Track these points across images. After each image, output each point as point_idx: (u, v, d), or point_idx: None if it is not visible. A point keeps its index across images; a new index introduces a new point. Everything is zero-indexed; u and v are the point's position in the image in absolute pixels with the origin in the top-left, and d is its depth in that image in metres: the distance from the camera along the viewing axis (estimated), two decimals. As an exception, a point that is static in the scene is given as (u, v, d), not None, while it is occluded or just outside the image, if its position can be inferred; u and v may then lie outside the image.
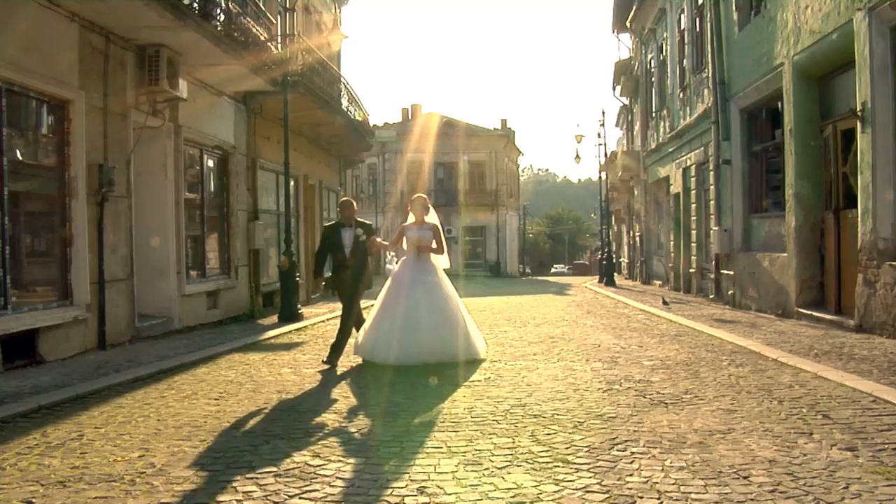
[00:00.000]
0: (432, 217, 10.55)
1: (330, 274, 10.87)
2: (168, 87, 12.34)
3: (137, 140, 12.52)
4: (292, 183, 19.13)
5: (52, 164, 10.81)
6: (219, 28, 13.11)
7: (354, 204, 10.98)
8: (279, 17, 18.53)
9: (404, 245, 10.43)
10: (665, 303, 18.93)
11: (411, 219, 10.44)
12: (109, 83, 11.64)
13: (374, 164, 57.98)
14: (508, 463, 5.17)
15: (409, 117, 61.80)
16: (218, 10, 13.33)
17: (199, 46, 12.49)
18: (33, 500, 4.61)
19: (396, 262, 10.43)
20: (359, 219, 10.75)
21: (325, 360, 9.95)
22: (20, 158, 10.15)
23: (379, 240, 10.71)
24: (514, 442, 5.72)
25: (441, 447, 5.62)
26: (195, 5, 12.39)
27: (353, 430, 6.29)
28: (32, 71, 9.93)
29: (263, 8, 15.87)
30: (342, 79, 23.88)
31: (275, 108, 17.59)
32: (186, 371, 9.64)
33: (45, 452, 5.71)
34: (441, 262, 10.46)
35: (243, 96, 17.28)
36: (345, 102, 23.62)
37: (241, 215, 17.10)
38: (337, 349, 10.07)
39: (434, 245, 10.34)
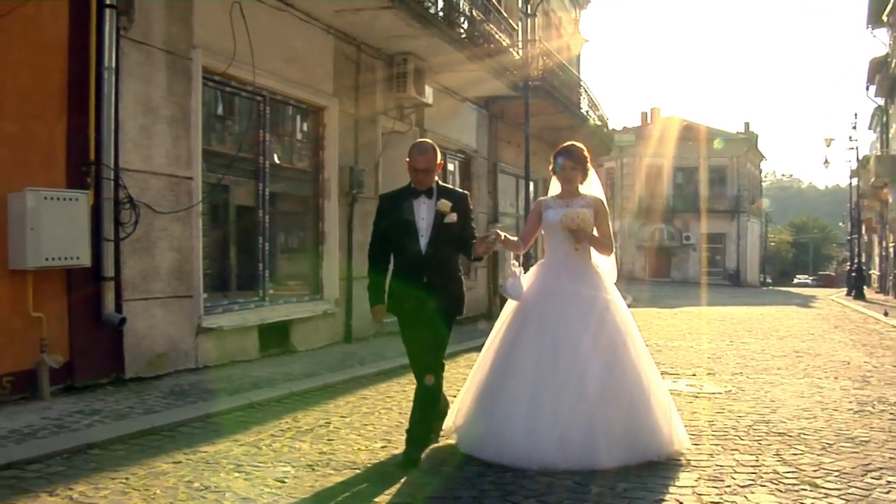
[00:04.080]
0: (593, 184, 5.90)
1: (391, 285, 5.75)
2: (415, 93, 12.59)
3: (385, 144, 12.89)
4: (532, 186, 19.07)
5: (305, 166, 11.34)
6: (463, 35, 13.22)
7: (438, 152, 5.73)
8: (520, 23, 18.52)
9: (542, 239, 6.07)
10: (885, 314, 18.45)
11: (555, 189, 5.92)
12: (360, 90, 12.02)
13: (612, 169, 56.88)
14: (751, 482, 4.78)
15: (649, 121, 60.30)
16: (462, 18, 13.47)
17: (444, 53, 12.62)
18: (285, 480, 4.85)
19: (522, 274, 5.69)
20: (444, 184, 5.87)
21: (409, 456, 5.31)
22: (278, 162, 10.70)
23: (503, 233, 5.62)
24: (757, 460, 5.30)
25: (680, 460, 5.28)
26: (440, 14, 12.58)
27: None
28: (292, 80, 10.44)
29: (505, 14, 15.91)
30: (581, 83, 23.58)
31: (515, 112, 17.57)
32: (426, 367, 9.74)
33: (296, 436, 5.99)
34: (606, 268, 5.82)
35: (485, 101, 17.40)
36: (584, 106, 23.29)
37: (481, 218, 17.19)
38: (420, 439, 5.47)
39: (595, 233, 5.67)
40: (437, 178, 5.68)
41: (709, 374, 9.23)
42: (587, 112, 23.50)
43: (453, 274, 5.71)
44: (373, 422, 6.54)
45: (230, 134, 10.08)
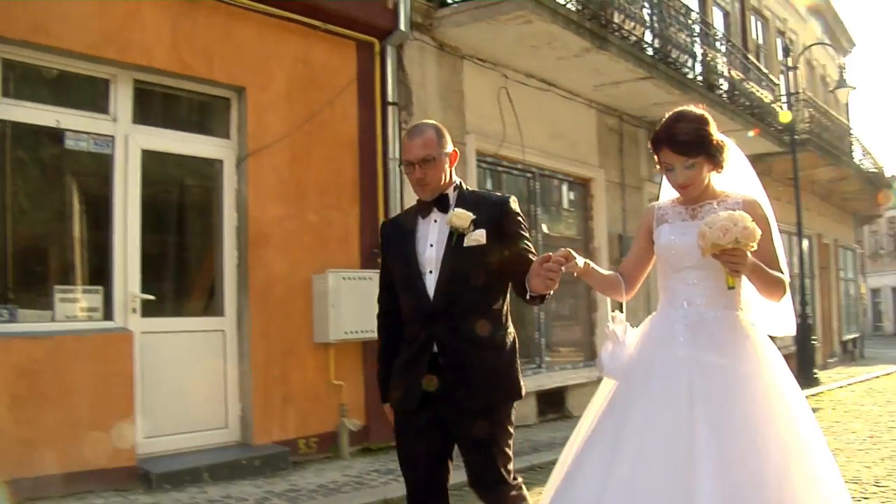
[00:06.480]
0: (739, 173, 3.28)
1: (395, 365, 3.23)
2: (676, 157, 12.31)
3: (651, 210, 12.64)
4: (805, 243, 17.88)
5: (574, 234, 11.34)
6: (723, 96, 12.81)
7: (446, 136, 3.15)
8: (782, 77, 17.64)
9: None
10: None
11: (668, 190, 3.15)
12: (624, 159, 11.92)
13: (894, 218, 52.07)
14: None
15: (931, 166, 54.79)
16: (721, 80, 13.08)
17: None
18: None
19: (626, 331, 3.15)
20: (470, 188, 3.27)
21: None
22: (547, 232, 10.79)
23: (580, 258, 3.02)
24: None
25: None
26: (699, 77, 12.27)
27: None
28: (559, 155, 10.54)
29: (765, 69, 15.24)
30: (851, 131, 21.99)
31: (782, 168, 16.61)
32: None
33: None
34: (771, 320, 3.15)
35: (750, 159, 16.59)
36: (857, 155, 21.68)
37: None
38: None
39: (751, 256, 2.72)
40: (458, 180, 3.22)
41: None
42: (860, 161, 21.87)
43: (489, 333, 3.13)
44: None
45: (502, 210, 10.33)
